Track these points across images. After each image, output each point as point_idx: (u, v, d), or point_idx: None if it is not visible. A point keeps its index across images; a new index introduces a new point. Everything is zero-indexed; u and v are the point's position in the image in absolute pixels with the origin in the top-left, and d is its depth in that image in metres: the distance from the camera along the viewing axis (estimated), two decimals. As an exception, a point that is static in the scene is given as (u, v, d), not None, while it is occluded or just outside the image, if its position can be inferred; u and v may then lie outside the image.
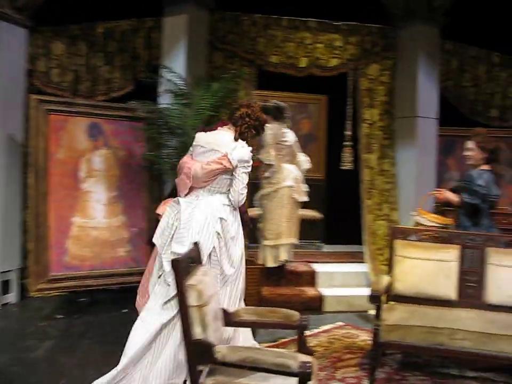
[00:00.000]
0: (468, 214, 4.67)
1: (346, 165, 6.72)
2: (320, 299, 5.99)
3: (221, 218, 3.73)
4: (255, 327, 3.40)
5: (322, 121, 8.28)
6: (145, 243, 4.98)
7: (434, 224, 4.78)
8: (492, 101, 7.19)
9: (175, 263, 2.67)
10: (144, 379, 3.50)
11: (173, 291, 3.41)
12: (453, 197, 4.76)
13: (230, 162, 3.71)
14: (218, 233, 3.70)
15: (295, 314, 3.17)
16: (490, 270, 4.30)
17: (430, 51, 6.49)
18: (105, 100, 6.14)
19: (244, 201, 3.84)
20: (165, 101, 5.85)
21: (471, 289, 4.33)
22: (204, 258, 3.51)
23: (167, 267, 3.60)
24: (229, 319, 3.16)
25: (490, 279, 4.28)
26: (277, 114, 5.83)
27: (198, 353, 2.68)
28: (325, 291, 6.14)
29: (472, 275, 4.35)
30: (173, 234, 3.71)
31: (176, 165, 5.46)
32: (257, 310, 3.26)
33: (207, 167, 3.73)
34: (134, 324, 4.68)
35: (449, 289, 4.28)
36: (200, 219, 3.67)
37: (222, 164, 3.71)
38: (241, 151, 3.77)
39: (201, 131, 4.05)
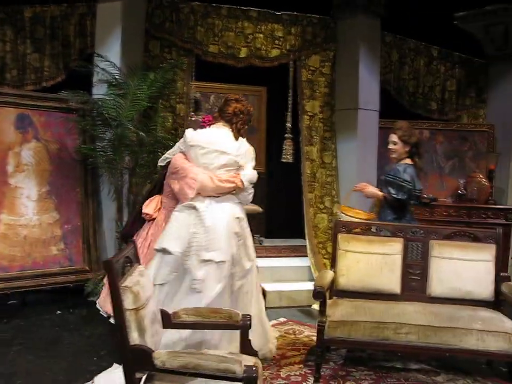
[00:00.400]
0: (392, 208, 4.65)
1: (287, 157, 6.61)
2: (262, 294, 5.85)
3: (238, 218, 3.85)
4: (196, 328, 3.23)
5: (262, 113, 8.13)
6: (120, 238, 4.66)
7: (357, 220, 4.72)
8: (431, 93, 7.26)
9: (108, 264, 2.46)
10: None
11: (206, 298, 3.61)
12: (376, 191, 4.76)
13: (242, 182, 3.87)
14: (238, 233, 3.82)
15: (238, 314, 3.03)
16: (433, 263, 4.29)
17: (370, 43, 6.46)
18: (35, 90, 5.78)
19: (252, 198, 4.04)
20: (99, 91, 5.59)
21: (414, 282, 4.31)
22: (229, 259, 3.72)
23: (199, 275, 3.65)
24: (168, 321, 2.98)
25: (433, 272, 4.27)
26: (199, 106, 5.83)
27: (136, 359, 2.49)
28: (267, 286, 5.98)
29: (415, 268, 4.33)
30: (197, 241, 3.70)
31: (111, 158, 5.26)
32: (198, 311, 3.09)
33: (221, 185, 3.80)
34: (69, 325, 4.45)
35: (394, 283, 4.24)
36: (223, 224, 3.75)
37: (235, 183, 3.84)
38: (250, 168, 3.97)
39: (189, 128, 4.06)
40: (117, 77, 5.44)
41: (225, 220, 3.76)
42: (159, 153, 5.34)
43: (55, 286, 5.38)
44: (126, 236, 4.31)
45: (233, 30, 6.21)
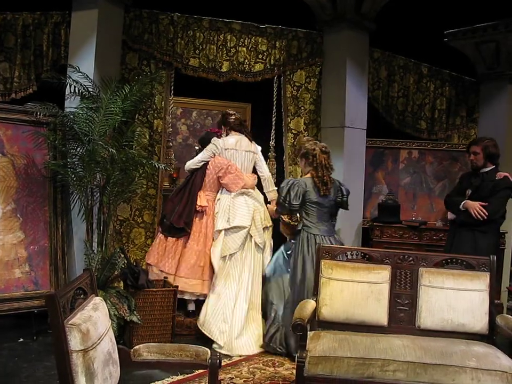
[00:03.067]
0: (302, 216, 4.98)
1: (270, 177, 6.36)
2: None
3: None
4: (160, 368, 2.89)
5: (246, 131, 7.86)
6: (167, 229, 5.26)
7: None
8: (420, 112, 7.04)
9: (50, 299, 2.12)
10: None
11: (269, 251, 5.37)
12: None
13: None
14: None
15: (206, 352, 2.71)
16: (422, 292, 3.97)
17: (358, 58, 6.23)
18: (3, 102, 5.44)
19: None
20: (72, 104, 5.26)
21: (403, 313, 3.99)
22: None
23: (264, 237, 5.28)
24: (127, 360, 2.65)
25: (423, 302, 3.95)
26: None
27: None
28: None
29: (404, 298, 4.01)
30: (259, 214, 5.23)
31: (81, 175, 4.93)
32: (161, 348, 2.75)
33: (252, 180, 5.41)
34: (30, 355, 4.10)
35: (380, 314, 3.92)
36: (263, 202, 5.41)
37: (255, 178, 5.51)
38: (264, 163, 5.64)
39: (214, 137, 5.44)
40: (89, 89, 5.13)
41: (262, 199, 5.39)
42: (132, 171, 5.04)
43: (18, 311, 4.97)
44: (183, 225, 5.15)
45: (215, 42, 5.94)
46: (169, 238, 5.23)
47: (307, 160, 4.97)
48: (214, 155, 5.31)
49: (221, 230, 5.11)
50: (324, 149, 5.00)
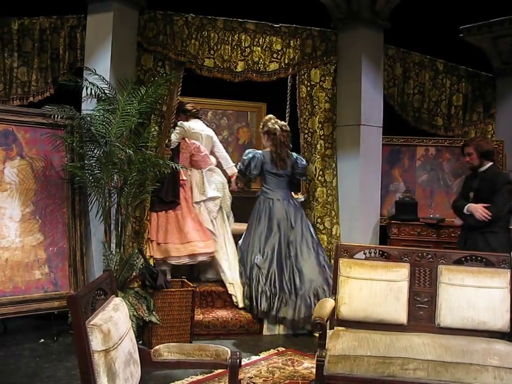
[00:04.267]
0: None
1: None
2: (259, 321, 5.51)
3: None
4: (180, 368, 2.90)
5: (262, 130, 7.87)
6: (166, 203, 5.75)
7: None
8: (437, 109, 6.99)
9: (71, 300, 2.14)
10: None
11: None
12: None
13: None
14: None
15: (226, 351, 2.71)
16: (442, 290, 3.95)
17: (373, 56, 6.20)
18: (21, 105, 5.51)
19: None
20: (88, 107, 5.30)
21: (422, 311, 3.98)
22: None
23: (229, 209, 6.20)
24: (148, 360, 2.66)
25: (442, 300, 3.94)
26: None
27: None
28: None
29: (423, 296, 3.99)
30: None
31: (99, 177, 4.97)
32: (182, 348, 2.76)
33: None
34: (51, 356, 4.12)
35: (400, 312, 3.91)
36: None
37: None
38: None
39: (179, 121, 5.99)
40: (106, 91, 5.16)
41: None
42: (149, 172, 5.07)
43: (38, 312, 5.02)
44: (171, 198, 5.71)
45: (229, 43, 5.94)
46: (159, 213, 5.70)
47: (269, 137, 5.79)
48: (184, 137, 5.87)
49: (199, 202, 5.81)
50: (284, 127, 5.79)
